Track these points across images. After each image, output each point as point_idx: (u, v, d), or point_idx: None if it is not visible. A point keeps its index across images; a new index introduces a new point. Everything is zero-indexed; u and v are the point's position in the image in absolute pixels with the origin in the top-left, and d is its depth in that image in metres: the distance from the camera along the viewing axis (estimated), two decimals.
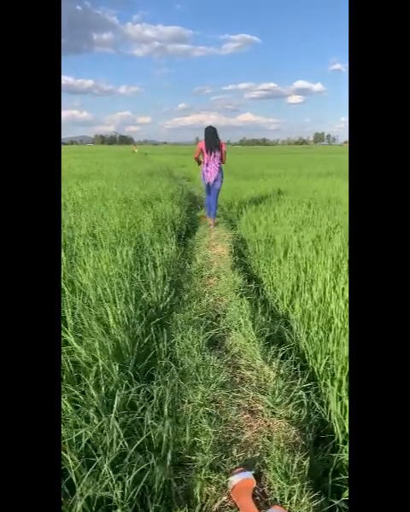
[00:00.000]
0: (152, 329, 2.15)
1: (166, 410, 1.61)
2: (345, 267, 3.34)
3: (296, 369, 2.02)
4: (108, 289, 2.46)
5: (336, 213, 5.67)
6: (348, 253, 3.78)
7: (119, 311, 2.18)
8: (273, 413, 1.68)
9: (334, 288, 2.92)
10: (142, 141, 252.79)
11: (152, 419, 1.56)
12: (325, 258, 3.66)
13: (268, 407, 1.70)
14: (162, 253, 3.62)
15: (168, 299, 2.76)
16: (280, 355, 2.12)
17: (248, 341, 2.22)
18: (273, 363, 2.01)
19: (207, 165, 5.26)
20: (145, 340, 2.11)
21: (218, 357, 2.08)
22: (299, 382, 1.87)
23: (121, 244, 3.55)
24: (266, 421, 1.64)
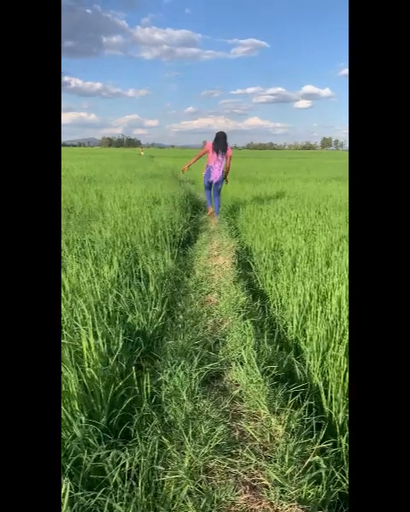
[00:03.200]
0: (134, 369, 1.75)
1: (140, 487, 1.21)
2: None
3: (311, 420, 1.61)
4: (85, 311, 2.07)
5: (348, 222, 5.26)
6: None
7: (94, 342, 1.79)
8: (282, 491, 1.27)
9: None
10: (149, 144, 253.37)
11: (120, 501, 1.17)
12: (339, 270, 3.26)
13: (275, 482, 1.30)
14: (157, 265, 3.24)
15: (159, 322, 2.37)
16: (290, 400, 1.71)
17: (252, 381, 1.81)
18: (282, 413, 1.60)
19: (212, 164, 5.58)
20: (125, 379, 1.71)
21: (213, 403, 1.68)
22: (314, 439, 1.47)
23: (111, 253, 3.16)
24: (272, 504, 1.23)
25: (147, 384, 1.69)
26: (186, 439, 1.42)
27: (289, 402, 1.67)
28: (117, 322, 2.15)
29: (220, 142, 5.56)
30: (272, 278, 3.43)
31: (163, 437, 1.46)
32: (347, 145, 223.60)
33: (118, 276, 2.72)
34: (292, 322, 2.65)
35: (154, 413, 1.57)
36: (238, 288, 3.14)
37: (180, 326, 2.42)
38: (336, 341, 2.23)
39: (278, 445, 1.45)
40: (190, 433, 1.46)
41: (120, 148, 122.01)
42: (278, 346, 2.30)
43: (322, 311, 2.65)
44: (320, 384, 1.92)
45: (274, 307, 3.05)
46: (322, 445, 1.45)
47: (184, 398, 1.65)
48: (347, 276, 3.16)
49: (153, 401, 1.69)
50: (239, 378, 1.88)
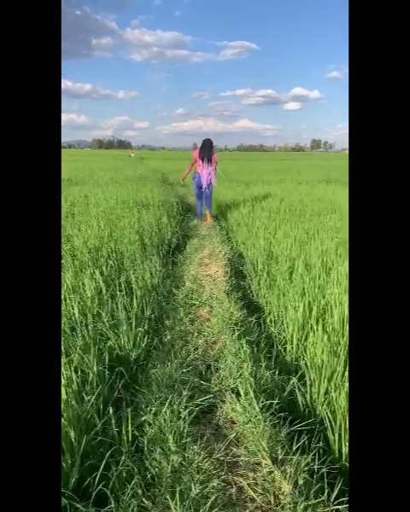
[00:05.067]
0: (111, 410, 1.48)
1: None
2: None
3: (322, 469, 1.36)
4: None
5: (345, 226, 5.05)
6: None
7: (64, 378, 1.52)
8: None
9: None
10: (140, 146, 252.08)
11: None
12: (339, 280, 3.04)
13: None
14: (143, 276, 2.97)
15: (144, 344, 2.10)
16: (295, 442, 1.47)
17: (250, 420, 1.56)
18: (286, 463, 1.35)
19: (200, 172, 5.81)
20: (102, 422, 1.45)
21: (205, 451, 1.42)
22: (327, 497, 1.23)
23: (93, 265, 2.89)
24: None
25: (128, 428, 1.42)
26: (172, 503, 1.16)
27: (295, 446, 1.42)
28: (95, 347, 1.88)
29: (206, 149, 5.79)
30: (267, 288, 3.20)
31: (144, 499, 1.20)
32: (336, 147, 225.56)
33: (100, 291, 2.45)
34: (291, 340, 2.41)
35: (134, 467, 1.31)
36: (231, 300, 2.90)
37: (168, 348, 2.17)
38: (341, 364, 1.99)
39: (283, 507, 1.20)
40: (177, 493, 1.20)
41: (111, 150, 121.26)
42: (277, 370, 2.06)
43: (323, 328, 2.42)
44: (326, 418, 1.68)
45: (271, 321, 2.81)
46: (337, 507, 1.21)
47: (171, 445, 1.39)
48: (347, 286, 2.94)
49: (134, 448, 1.43)
50: (235, 415, 1.63)
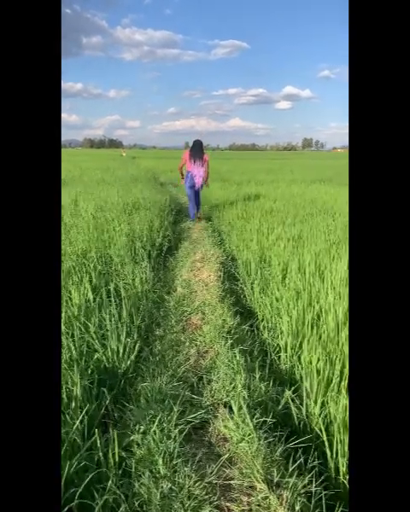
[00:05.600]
0: (97, 432, 1.39)
1: None
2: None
3: (320, 492, 1.30)
4: None
5: (338, 227, 5.00)
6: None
7: None
8: None
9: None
10: (131, 145, 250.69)
11: None
12: (332, 284, 2.99)
13: None
14: (133, 282, 2.89)
15: (133, 356, 2.02)
16: (292, 462, 1.40)
17: (243, 438, 1.49)
18: (282, 486, 1.28)
19: (192, 171, 5.90)
20: (86, 446, 1.36)
21: (197, 473, 1.35)
22: None
23: (80, 271, 2.80)
24: None
25: (114, 451, 1.34)
26: None
27: (291, 465, 1.35)
28: (82, 361, 1.80)
29: (196, 150, 5.92)
30: (260, 293, 3.13)
31: None
32: (327, 146, 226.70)
33: (87, 300, 2.36)
34: (285, 348, 2.34)
35: (121, 493, 1.24)
36: (224, 306, 2.83)
37: (158, 359, 2.09)
38: (337, 374, 1.93)
39: None
40: None
41: (102, 150, 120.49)
42: (271, 381, 1.99)
43: (317, 335, 2.37)
44: (323, 433, 1.62)
45: (264, 328, 2.75)
46: None
47: (160, 468, 1.32)
48: (341, 290, 2.89)
49: (121, 471, 1.35)
50: (228, 431, 1.56)
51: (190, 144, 6.10)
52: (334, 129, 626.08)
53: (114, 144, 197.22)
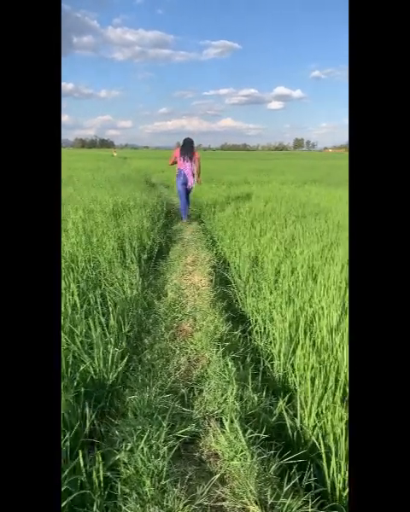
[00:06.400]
0: (80, 453, 1.31)
1: None
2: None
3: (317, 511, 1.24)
4: None
5: (330, 229, 4.97)
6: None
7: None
8: None
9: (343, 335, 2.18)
10: (123, 145, 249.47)
11: None
12: (326, 288, 2.94)
13: None
14: (122, 287, 2.81)
15: (121, 367, 1.95)
16: (287, 479, 1.34)
17: (236, 455, 1.42)
18: (276, 507, 1.22)
19: (183, 169, 5.92)
20: (70, 467, 1.28)
21: (187, 494, 1.28)
22: None
23: (66, 277, 2.71)
24: None
25: (98, 472, 1.27)
26: None
27: (285, 486, 1.29)
28: (68, 374, 1.72)
29: (187, 148, 5.94)
30: (253, 296, 3.08)
31: None
32: (318, 146, 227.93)
33: (73, 307, 2.28)
34: (278, 355, 2.28)
35: None
36: (216, 311, 2.76)
37: (147, 368, 2.01)
38: (331, 385, 1.88)
39: None
40: None
41: (93, 150, 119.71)
42: (264, 390, 1.93)
43: (311, 340, 2.31)
44: (319, 446, 1.56)
45: (257, 333, 2.69)
46: None
47: (148, 490, 1.25)
48: (334, 294, 2.84)
49: (106, 493, 1.27)
50: (220, 448, 1.49)
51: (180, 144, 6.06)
52: (325, 129, 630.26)
53: (106, 144, 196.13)
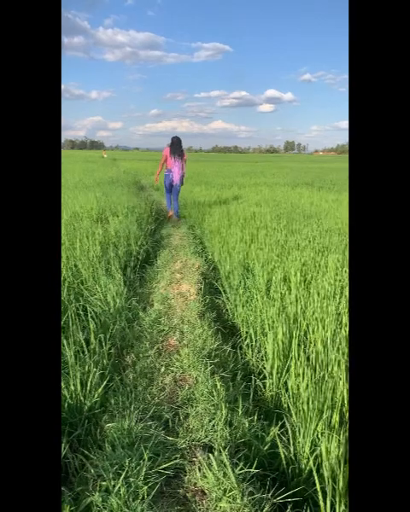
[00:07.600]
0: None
1: None
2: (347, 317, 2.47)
3: None
4: None
5: (321, 234, 4.86)
6: (346, 289, 2.96)
7: None
8: None
9: (342, 352, 2.05)
10: (113, 146, 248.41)
11: None
12: (319, 298, 2.82)
13: None
14: (104, 300, 2.65)
15: (100, 390, 1.78)
16: None
17: (224, 494, 1.28)
18: None
19: (172, 168, 6.13)
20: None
21: None
22: None
23: None
24: None
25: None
26: None
27: None
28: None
29: (176, 146, 6.14)
30: (243, 307, 2.93)
31: None
32: (309, 148, 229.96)
33: None
34: (271, 373, 2.14)
35: None
36: (205, 324, 2.62)
37: (129, 390, 1.86)
38: (328, 405, 1.75)
39: None
40: None
41: (84, 151, 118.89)
42: (256, 414, 1.79)
43: (305, 355, 2.18)
44: (316, 479, 1.42)
45: (248, 347, 2.55)
46: None
47: None
48: (328, 303, 2.72)
49: None
50: (208, 483, 1.34)
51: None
52: (315, 132, 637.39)
53: (96, 146, 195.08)
